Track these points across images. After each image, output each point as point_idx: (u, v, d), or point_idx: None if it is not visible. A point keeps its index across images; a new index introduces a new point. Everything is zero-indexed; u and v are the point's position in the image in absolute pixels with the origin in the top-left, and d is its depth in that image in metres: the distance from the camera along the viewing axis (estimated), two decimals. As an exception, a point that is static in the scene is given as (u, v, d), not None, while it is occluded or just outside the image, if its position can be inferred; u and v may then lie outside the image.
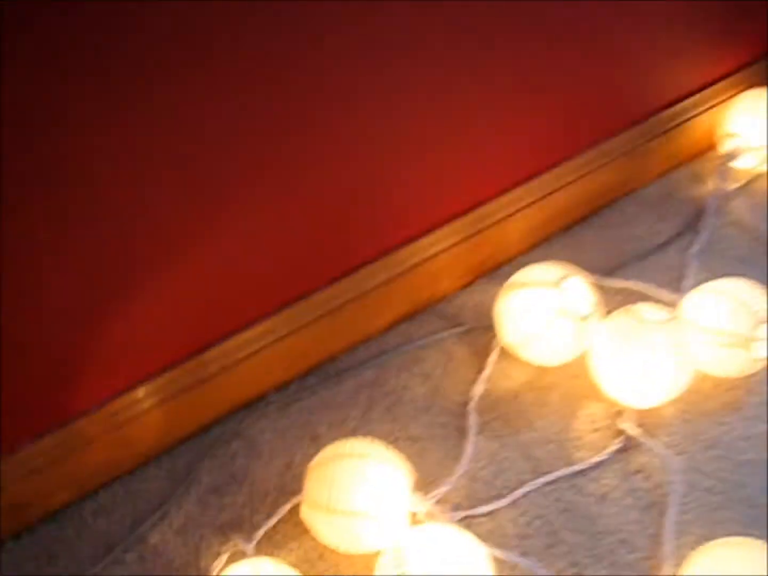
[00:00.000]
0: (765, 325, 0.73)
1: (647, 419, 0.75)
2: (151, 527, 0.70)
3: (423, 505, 0.67)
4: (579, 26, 0.82)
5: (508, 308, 0.77)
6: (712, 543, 0.64)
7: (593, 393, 0.76)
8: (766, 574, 0.60)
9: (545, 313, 0.73)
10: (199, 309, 0.72)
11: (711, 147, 0.98)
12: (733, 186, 0.94)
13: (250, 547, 0.66)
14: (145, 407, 0.72)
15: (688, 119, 0.96)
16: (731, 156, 0.94)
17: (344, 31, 0.66)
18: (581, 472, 0.73)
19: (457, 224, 0.83)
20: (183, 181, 0.65)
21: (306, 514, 0.67)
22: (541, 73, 0.81)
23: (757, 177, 0.96)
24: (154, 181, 0.63)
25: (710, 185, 0.95)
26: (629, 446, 0.74)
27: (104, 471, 0.73)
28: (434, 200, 0.81)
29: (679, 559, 0.65)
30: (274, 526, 0.69)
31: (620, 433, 0.74)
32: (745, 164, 0.95)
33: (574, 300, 0.74)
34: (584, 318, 0.74)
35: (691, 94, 0.96)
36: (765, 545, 0.62)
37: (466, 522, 0.70)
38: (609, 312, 0.76)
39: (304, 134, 0.69)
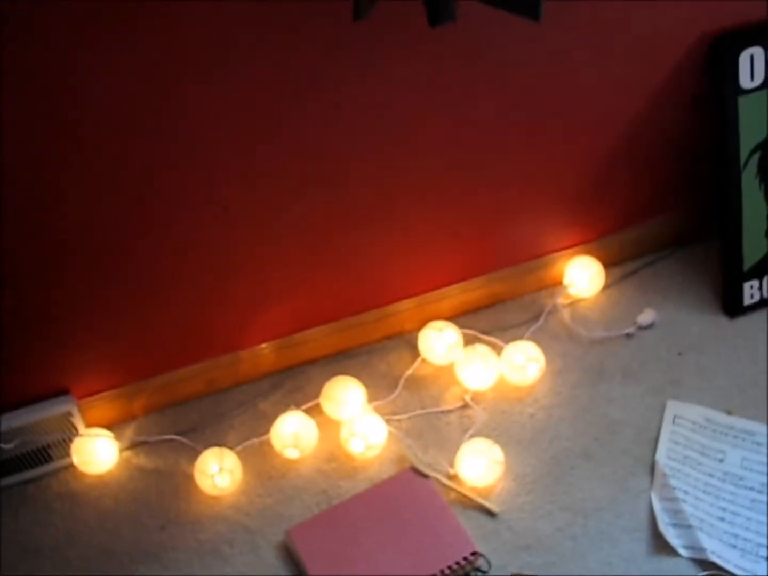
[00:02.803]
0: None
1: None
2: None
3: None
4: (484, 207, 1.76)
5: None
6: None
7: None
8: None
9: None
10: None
11: (560, 281, 1.88)
12: (565, 302, 1.87)
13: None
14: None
15: (549, 264, 1.86)
16: (566, 288, 1.87)
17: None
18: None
19: (416, 298, 1.80)
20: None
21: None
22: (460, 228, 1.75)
23: (577, 301, 1.87)
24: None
25: (553, 299, 1.86)
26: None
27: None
28: (401, 283, 1.78)
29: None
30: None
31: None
32: (574, 293, 1.87)
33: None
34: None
35: (554, 251, 1.86)
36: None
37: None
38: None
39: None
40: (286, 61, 1.37)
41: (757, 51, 1.64)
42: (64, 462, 1.64)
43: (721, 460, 1.58)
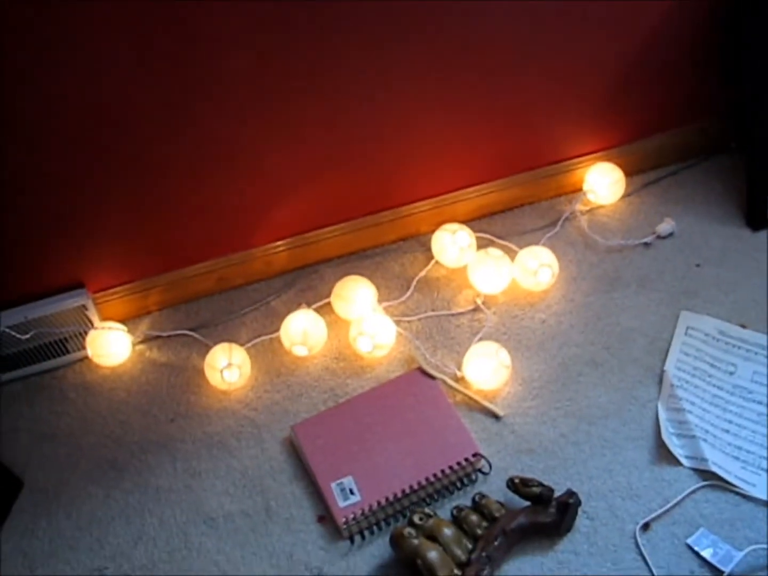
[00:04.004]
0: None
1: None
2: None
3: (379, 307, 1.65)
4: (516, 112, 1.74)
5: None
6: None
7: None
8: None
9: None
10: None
11: (579, 187, 1.86)
12: (583, 209, 1.84)
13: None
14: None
15: (569, 170, 1.84)
16: (586, 194, 1.84)
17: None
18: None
19: (432, 200, 1.78)
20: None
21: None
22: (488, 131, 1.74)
23: (595, 208, 1.84)
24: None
25: (571, 206, 1.84)
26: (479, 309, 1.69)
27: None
28: (418, 184, 1.76)
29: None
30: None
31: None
32: (593, 200, 1.84)
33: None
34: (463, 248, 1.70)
35: (575, 157, 1.84)
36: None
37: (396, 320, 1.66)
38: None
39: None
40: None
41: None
42: (79, 354, 1.68)
43: (731, 373, 1.57)
